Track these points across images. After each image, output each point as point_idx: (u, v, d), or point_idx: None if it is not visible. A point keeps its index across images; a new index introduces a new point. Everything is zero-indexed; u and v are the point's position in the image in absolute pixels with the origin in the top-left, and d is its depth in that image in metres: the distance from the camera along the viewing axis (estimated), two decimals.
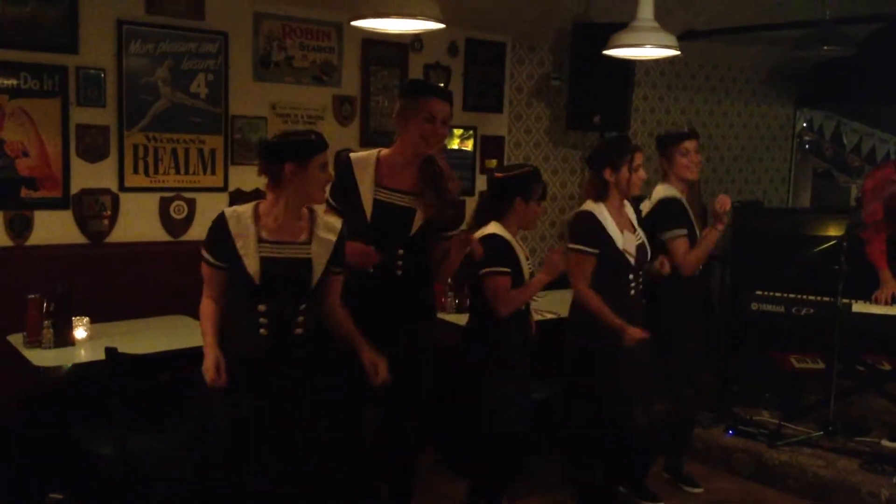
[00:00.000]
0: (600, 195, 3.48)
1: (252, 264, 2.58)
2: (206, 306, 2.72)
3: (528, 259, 3.41)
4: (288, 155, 2.57)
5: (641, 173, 3.48)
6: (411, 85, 3.18)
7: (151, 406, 3.23)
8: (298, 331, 2.65)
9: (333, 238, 2.71)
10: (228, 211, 2.67)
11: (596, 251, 3.41)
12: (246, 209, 2.66)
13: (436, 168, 3.01)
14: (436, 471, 3.88)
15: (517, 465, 3.53)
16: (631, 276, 3.49)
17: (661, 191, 3.83)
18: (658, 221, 3.76)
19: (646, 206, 3.86)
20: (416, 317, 3.09)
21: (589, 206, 3.50)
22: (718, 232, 3.73)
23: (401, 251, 3.00)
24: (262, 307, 2.60)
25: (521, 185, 3.31)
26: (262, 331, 2.60)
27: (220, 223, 2.64)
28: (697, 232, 3.81)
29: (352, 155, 3.08)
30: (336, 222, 2.77)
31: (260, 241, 2.60)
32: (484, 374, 3.31)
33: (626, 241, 3.45)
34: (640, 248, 3.53)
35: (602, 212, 3.45)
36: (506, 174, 3.40)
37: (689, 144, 3.79)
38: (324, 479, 2.82)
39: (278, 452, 2.64)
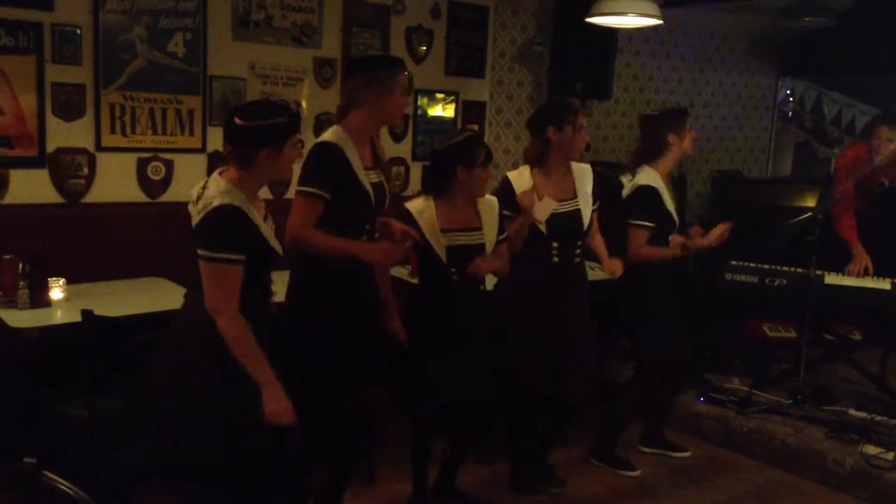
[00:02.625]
0: (541, 158, 3.50)
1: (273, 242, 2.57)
2: (244, 324, 2.44)
3: (467, 230, 3.24)
4: (264, 141, 2.43)
5: (585, 135, 3.51)
6: (380, 60, 3.08)
7: (127, 369, 3.23)
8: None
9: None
10: (236, 202, 2.43)
11: (512, 215, 3.42)
12: (239, 196, 2.46)
13: (378, 138, 3.10)
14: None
15: (472, 429, 3.48)
16: (554, 244, 3.49)
17: (643, 178, 3.81)
18: (632, 206, 3.81)
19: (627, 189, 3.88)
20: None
21: (510, 173, 3.56)
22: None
23: (375, 226, 3.06)
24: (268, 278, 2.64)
25: (460, 154, 3.19)
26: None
27: (238, 215, 2.44)
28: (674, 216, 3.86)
29: (329, 139, 2.94)
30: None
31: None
32: (422, 339, 3.25)
33: (540, 208, 3.39)
34: (566, 215, 3.50)
35: (522, 176, 3.49)
36: (441, 146, 3.33)
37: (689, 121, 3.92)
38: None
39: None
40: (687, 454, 4.25)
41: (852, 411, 4.47)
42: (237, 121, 2.45)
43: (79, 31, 4.01)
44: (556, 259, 3.51)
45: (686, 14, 6.18)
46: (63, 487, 1.66)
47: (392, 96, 2.95)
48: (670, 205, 3.82)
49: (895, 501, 3.77)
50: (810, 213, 4.36)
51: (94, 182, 4.19)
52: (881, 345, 4.88)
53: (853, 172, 4.54)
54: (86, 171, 4.16)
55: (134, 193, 4.33)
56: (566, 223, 3.51)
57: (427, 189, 3.40)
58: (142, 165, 4.33)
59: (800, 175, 7.68)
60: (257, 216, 2.51)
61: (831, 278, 4.37)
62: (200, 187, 2.50)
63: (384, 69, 2.98)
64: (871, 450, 4.00)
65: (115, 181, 4.26)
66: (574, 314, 3.58)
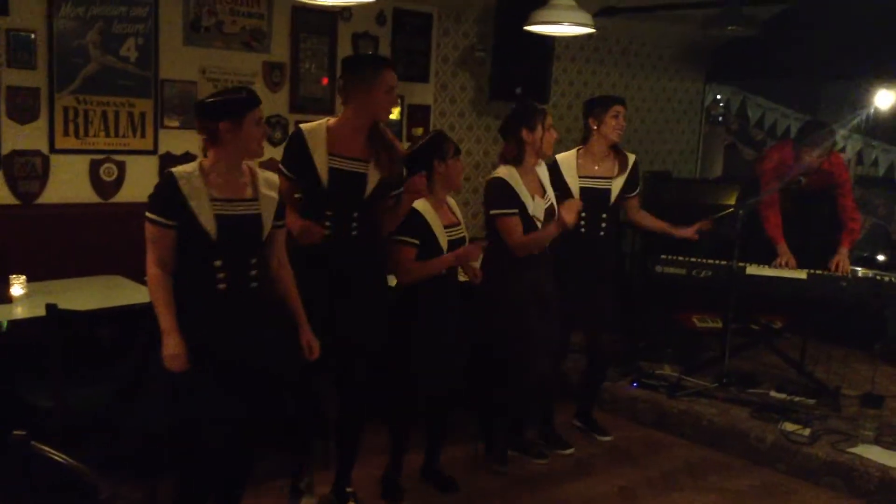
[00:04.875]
0: (516, 158, 3.75)
1: (208, 222, 2.67)
2: (157, 278, 2.69)
3: (454, 226, 3.55)
4: (222, 114, 2.67)
5: (554, 132, 3.80)
6: (366, 59, 3.22)
7: (89, 361, 3.35)
8: (254, 284, 2.78)
9: (276, 195, 2.86)
10: (178, 171, 2.71)
11: (516, 211, 3.69)
12: (192, 168, 2.72)
13: (382, 129, 3.24)
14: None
15: (441, 418, 3.76)
16: None
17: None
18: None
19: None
20: (370, 276, 3.30)
21: (501, 171, 3.76)
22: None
23: (355, 214, 3.18)
24: (218, 263, 2.70)
25: (434, 149, 3.48)
26: (220, 286, 2.71)
27: (170, 183, 2.67)
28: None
29: (303, 126, 3.21)
30: (274, 177, 2.91)
31: (212, 199, 2.69)
32: (401, 331, 3.46)
33: (536, 206, 3.73)
34: (548, 210, 3.81)
35: (514, 175, 3.72)
36: (415, 146, 3.59)
37: (621, 108, 4.16)
38: (270, 422, 3.02)
39: (237, 403, 2.78)
40: (609, 438, 4.50)
41: (773, 393, 4.81)
42: (203, 100, 2.78)
43: (33, 37, 4.10)
44: (536, 251, 3.79)
45: (620, 22, 6.48)
46: (54, 456, 1.79)
47: (377, 93, 3.13)
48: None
49: (811, 472, 4.10)
50: (732, 209, 4.66)
51: (48, 184, 4.28)
52: (800, 333, 5.23)
53: (780, 175, 4.84)
54: (40, 172, 4.24)
55: (87, 194, 4.42)
56: (549, 217, 3.82)
57: None
58: (94, 167, 4.43)
59: (729, 175, 8.07)
60: (202, 192, 2.68)
61: (752, 269, 4.68)
62: None
63: (369, 67, 3.17)
64: (789, 427, 4.33)
65: (69, 183, 4.35)
66: (554, 299, 3.86)
